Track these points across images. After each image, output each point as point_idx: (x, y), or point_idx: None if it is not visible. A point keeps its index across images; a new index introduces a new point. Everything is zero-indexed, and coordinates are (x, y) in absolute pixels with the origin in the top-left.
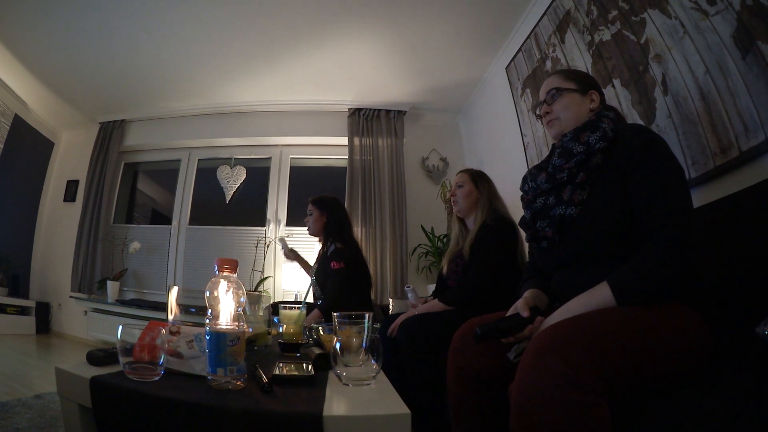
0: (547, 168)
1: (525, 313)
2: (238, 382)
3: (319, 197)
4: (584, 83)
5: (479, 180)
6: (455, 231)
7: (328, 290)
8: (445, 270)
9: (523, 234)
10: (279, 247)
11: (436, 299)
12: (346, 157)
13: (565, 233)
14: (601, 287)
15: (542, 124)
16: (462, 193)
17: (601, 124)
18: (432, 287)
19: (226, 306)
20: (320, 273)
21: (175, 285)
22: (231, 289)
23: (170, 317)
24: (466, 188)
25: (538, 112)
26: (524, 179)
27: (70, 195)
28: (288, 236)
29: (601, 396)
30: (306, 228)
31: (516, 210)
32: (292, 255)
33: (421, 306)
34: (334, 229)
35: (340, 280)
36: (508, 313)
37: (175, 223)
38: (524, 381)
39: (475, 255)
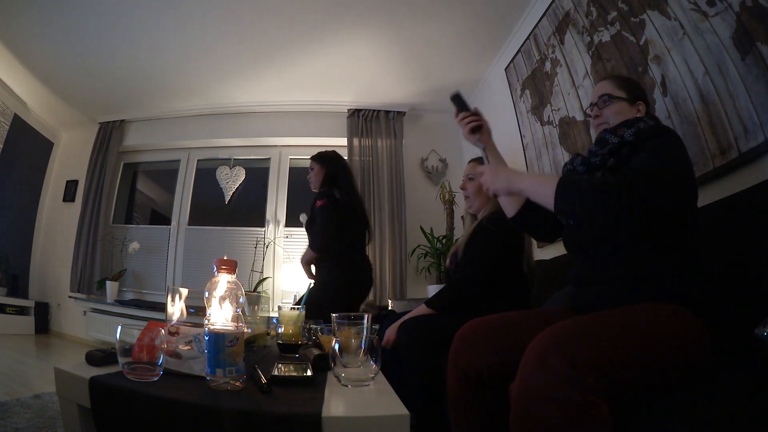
0: (583, 153)
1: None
2: (237, 383)
3: (319, 152)
4: (634, 94)
5: None
6: (466, 225)
7: (315, 228)
8: (447, 263)
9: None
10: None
11: (423, 304)
12: (346, 157)
13: None
14: (553, 179)
15: (591, 125)
16: (473, 188)
17: (638, 123)
18: (431, 288)
19: (224, 307)
20: (310, 219)
21: (181, 287)
22: (230, 290)
23: (174, 317)
24: (477, 182)
25: (588, 113)
26: (566, 163)
27: (69, 195)
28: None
29: (602, 396)
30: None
31: None
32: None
33: (412, 311)
34: (330, 179)
35: (325, 217)
36: None
37: (174, 223)
38: (525, 380)
39: (464, 255)
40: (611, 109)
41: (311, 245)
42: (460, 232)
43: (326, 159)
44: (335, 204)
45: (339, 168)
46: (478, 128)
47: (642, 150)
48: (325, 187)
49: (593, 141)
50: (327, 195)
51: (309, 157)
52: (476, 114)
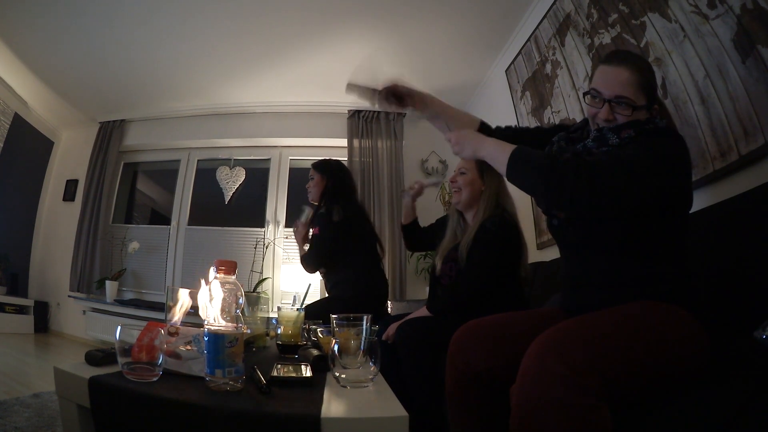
0: (577, 146)
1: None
2: (237, 384)
3: (321, 161)
4: (652, 98)
5: (486, 171)
6: (452, 223)
7: (310, 250)
8: (438, 269)
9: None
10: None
11: (425, 306)
12: (346, 158)
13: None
14: (509, 149)
15: (588, 113)
16: (464, 181)
17: (646, 124)
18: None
19: (224, 307)
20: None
21: (181, 287)
22: (229, 291)
23: (174, 318)
24: (469, 176)
25: (590, 105)
26: (551, 144)
27: (69, 194)
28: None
29: (602, 399)
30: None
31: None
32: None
33: (414, 312)
34: (330, 193)
35: (315, 245)
36: None
37: (174, 223)
38: (525, 385)
39: (469, 261)
40: (630, 117)
41: (304, 265)
42: None
43: (328, 169)
44: (331, 228)
45: (341, 181)
46: (397, 96)
47: (634, 145)
48: (324, 208)
49: (590, 135)
50: (321, 221)
51: (309, 157)
52: (390, 87)
